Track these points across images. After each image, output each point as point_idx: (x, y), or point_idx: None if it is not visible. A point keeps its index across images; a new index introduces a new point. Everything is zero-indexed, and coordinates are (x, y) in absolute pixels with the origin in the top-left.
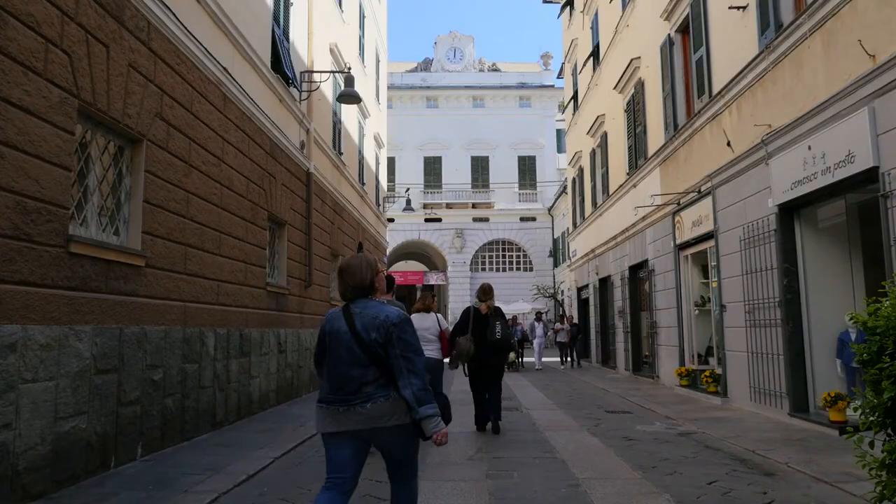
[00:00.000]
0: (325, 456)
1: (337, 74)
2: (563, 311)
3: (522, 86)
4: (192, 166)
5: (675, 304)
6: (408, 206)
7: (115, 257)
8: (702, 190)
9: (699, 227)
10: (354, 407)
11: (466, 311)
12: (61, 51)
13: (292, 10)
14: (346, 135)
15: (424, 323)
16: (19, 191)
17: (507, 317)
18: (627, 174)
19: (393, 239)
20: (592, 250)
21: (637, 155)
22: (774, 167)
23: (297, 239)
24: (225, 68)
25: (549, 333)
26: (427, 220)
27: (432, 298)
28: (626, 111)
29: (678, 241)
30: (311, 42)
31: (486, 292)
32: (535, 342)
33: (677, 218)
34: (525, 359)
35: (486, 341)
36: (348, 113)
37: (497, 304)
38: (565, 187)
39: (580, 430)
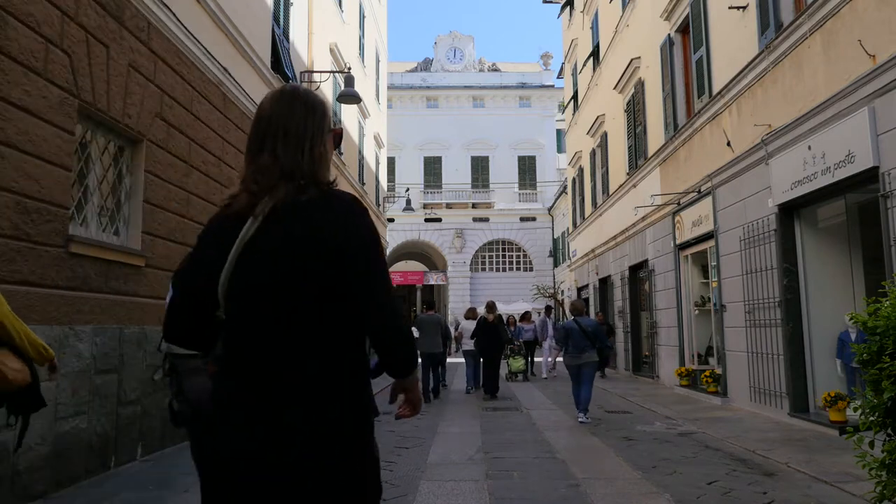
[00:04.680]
0: None
1: (337, 74)
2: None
3: (522, 86)
4: (192, 166)
5: (675, 304)
6: (408, 206)
7: (115, 257)
8: (702, 190)
9: (699, 227)
10: None
11: (481, 319)
12: (61, 51)
13: (292, 10)
14: (346, 135)
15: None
16: (19, 191)
17: (507, 317)
18: (627, 174)
19: (393, 239)
20: (592, 250)
21: (637, 155)
22: (774, 167)
23: None
24: (225, 68)
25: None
26: (427, 220)
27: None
28: (626, 111)
29: (678, 241)
30: (311, 42)
31: (491, 308)
32: (546, 343)
33: (677, 218)
34: (537, 358)
35: (492, 340)
36: (348, 113)
37: (496, 304)
38: (565, 187)
39: (580, 430)
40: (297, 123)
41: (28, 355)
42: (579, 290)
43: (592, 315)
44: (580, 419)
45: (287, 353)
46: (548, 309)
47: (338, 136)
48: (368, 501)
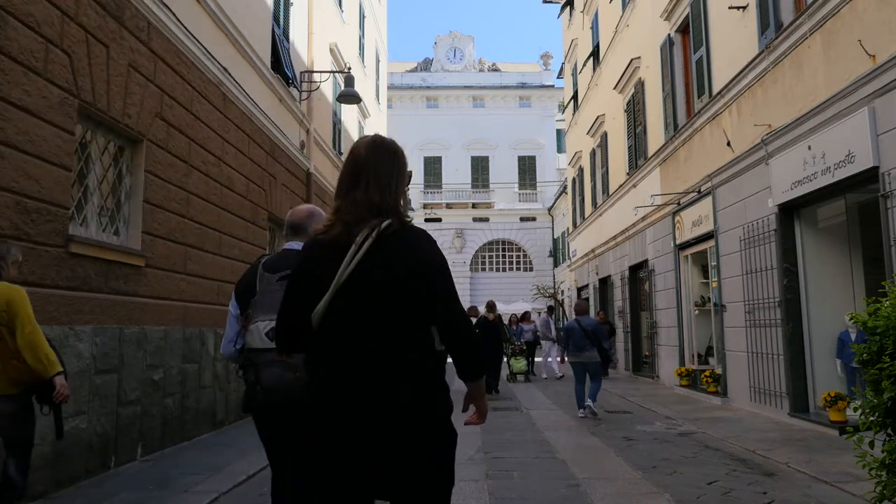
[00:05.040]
0: None
1: (337, 74)
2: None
3: (522, 86)
4: (192, 166)
5: (675, 304)
6: (408, 206)
7: (115, 257)
8: (702, 190)
9: (699, 227)
10: None
11: (482, 318)
12: (61, 51)
13: (292, 10)
14: (347, 135)
15: None
16: (19, 191)
17: (508, 317)
18: (627, 174)
19: None
20: (592, 250)
21: (637, 155)
22: (774, 167)
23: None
24: (225, 68)
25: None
26: (427, 220)
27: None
28: (626, 111)
29: (678, 241)
30: (311, 42)
31: (491, 308)
32: (548, 344)
33: (677, 218)
34: (537, 359)
35: (491, 339)
36: (348, 113)
37: (497, 304)
38: (565, 187)
39: (580, 430)
40: (384, 168)
41: (23, 359)
42: (579, 290)
43: (593, 314)
44: (580, 414)
45: (391, 346)
46: (550, 309)
47: (409, 176)
48: (444, 468)
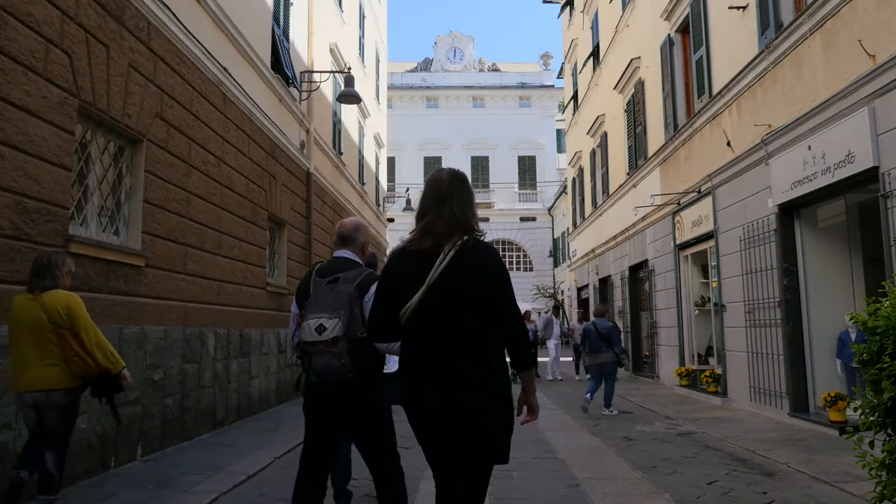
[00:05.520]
0: None
1: (337, 74)
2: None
3: (522, 86)
4: (192, 166)
5: (675, 304)
6: (408, 206)
7: (115, 257)
8: (702, 190)
9: (699, 227)
10: None
11: None
12: (61, 51)
13: (292, 10)
14: (346, 135)
15: None
16: (19, 191)
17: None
18: (627, 174)
19: (393, 239)
20: (592, 250)
21: (637, 155)
22: (774, 167)
23: (297, 239)
24: (225, 68)
25: (567, 327)
26: None
27: None
28: (626, 111)
29: (678, 241)
30: (311, 42)
31: None
32: (551, 344)
33: (677, 218)
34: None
35: None
36: (348, 113)
37: None
38: (565, 187)
39: (580, 430)
40: (464, 193)
41: (95, 359)
42: (579, 290)
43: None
44: (606, 412)
45: (464, 333)
46: (556, 308)
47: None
48: (505, 442)
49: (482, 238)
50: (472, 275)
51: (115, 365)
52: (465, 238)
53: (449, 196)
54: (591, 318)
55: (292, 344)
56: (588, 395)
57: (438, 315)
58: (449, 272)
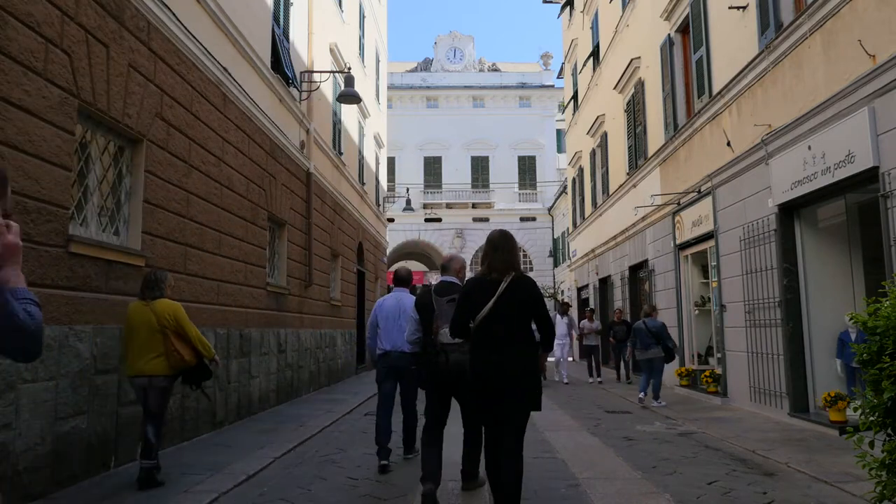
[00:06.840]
0: None
1: (337, 74)
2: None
3: (522, 86)
4: (192, 166)
5: (675, 304)
6: (408, 206)
7: (115, 257)
8: (702, 190)
9: (699, 227)
10: None
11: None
12: (61, 51)
13: (292, 10)
14: (346, 135)
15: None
16: (19, 191)
17: None
18: (627, 174)
19: (393, 239)
20: (592, 250)
21: (637, 155)
22: (774, 167)
23: (297, 239)
24: (225, 68)
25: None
26: (427, 220)
27: None
28: (626, 111)
29: (678, 241)
30: (311, 42)
31: None
32: (558, 344)
33: (677, 218)
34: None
35: None
36: (348, 113)
37: None
38: (565, 187)
39: (580, 430)
40: (510, 245)
41: (200, 351)
42: (579, 290)
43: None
44: (654, 404)
45: (515, 336)
46: (565, 306)
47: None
48: (539, 397)
49: (525, 273)
50: (522, 296)
51: (209, 352)
52: (514, 273)
53: (501, 247)
54: (641, 317)
55: (413, 339)
56: (641, 394)
57: (500, 319)
58: (507, 293)
